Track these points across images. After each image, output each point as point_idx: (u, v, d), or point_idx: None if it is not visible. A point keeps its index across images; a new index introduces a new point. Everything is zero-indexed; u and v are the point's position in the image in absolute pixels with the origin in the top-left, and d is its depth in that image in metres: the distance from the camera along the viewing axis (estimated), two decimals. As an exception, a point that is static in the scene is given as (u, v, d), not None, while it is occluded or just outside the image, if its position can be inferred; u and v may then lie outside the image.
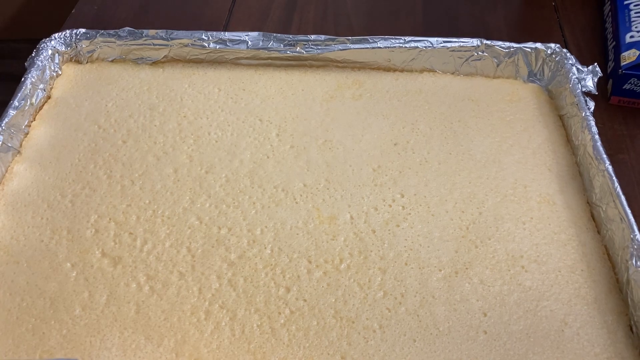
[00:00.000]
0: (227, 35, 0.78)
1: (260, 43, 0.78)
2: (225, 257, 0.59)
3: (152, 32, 0.78)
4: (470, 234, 0.61)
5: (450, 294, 0.56)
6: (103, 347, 0.52)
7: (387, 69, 0.80)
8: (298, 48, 0.78)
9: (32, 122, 0.71)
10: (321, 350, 0.52)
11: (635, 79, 0.85)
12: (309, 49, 0.78)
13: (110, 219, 0.62)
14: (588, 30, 0.96)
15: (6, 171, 0.66)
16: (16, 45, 1.79)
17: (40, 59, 0.74)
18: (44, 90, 0.74)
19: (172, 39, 0.77)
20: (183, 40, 0.77)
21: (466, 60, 0.78)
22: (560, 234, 0.61)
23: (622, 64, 0.85)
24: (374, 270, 0.58)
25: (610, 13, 0.95)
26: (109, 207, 0.63)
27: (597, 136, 0.65)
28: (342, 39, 0.77)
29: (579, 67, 0.75)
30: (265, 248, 0.60)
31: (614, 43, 0.89)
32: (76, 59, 0.79)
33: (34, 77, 0.72)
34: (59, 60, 0.77)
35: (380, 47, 0.77)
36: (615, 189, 0.59)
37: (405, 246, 0.60)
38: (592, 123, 0.67)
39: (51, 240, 0.60)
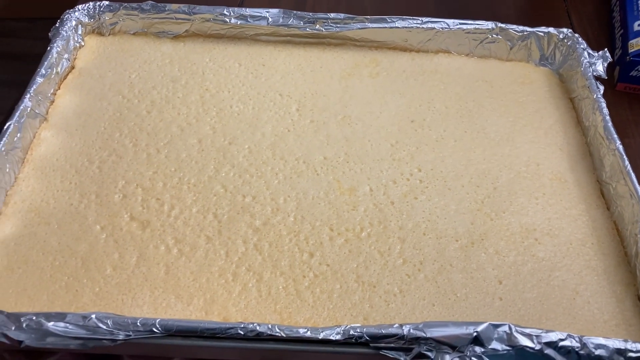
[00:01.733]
0: (248, 11, 0.79)
1: (281, 20, 0.79)
2: (250, 223, 0.61)
3: (174, 6, 0.79)
4: (485, 208, 0.64)
5: (466, 262, 0.59)
6: (135, 305, 0.54)
7: (404, 49, 0.81)
8: (317, 26, 0.79)
9: (57, 90, 0.72)
10: (344, 311, 0.55)
11: (641, 66, 0.88)
12: (328, 27, 0.79)
13: (137, 185, 0.63)
14: (595, 18, 0.98)
15: (34, 137, 0.67)
16: (15, 24, 1.80)
17: (65, 29, 0.75)
18: (68, 60, 0.75)
19: (194, 13, 0.79)
20: (205, 15, 0.79)
21: (481, 42, 0.81)
22: (572, 209, 0.64)
23: (630, 51, 0.88)
24: (393, 239, 0.60)
25: (618, 2, 0.97)
26: (135, 173, 0.65)
27: (607, 117, 0.68)
28: (360, 17, 0.79)
29: (590, 52, 0.78)
30: (289, 216, 0.62)
31: (622, 31, 0.91)
32: (98, 31, 0.81)
33: (59, 47, 0.73)
34: (81, 31, 0.79)
35: (398, 27, 0.79)
36: (626, 167, 0.62)
37: (423, 217, 0.62)
38: (603, 105, 0.69)
39: (80, 203, 0.62)
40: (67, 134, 0.68)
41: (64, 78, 0.74)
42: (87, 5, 0.79)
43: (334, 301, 0.55)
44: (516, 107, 0.75)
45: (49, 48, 0.73)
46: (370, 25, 0.79)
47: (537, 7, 1.03)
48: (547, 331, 0.48)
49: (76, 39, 0.77)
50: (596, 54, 0.78)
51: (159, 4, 0.79)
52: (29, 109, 0.66)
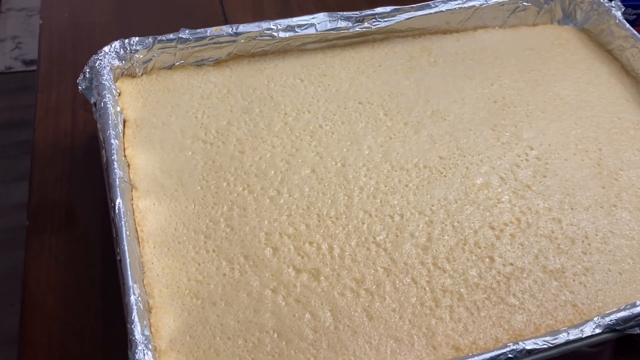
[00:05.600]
0: (295, 20, 0.73)
1: (329, 24, 0.75)
2: (415, 243, 0.58)
3: (215, 29, 0.71)
4: (604, 170, 0.66)
5: (621, 225, 0.61)
6: (360, 362, 0.50)
7: (445, 32, 0.81)
8: (366, 23, 0.76)
9: (125, 151, 0.62)
10: (552, 304, 0.55)
11: (631, 9, 0.96)
12: (376, 23, 0.76)
13: (280, 233, 0.57)
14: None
15: (133, 210, 0.57)
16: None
17: (104, 78, 0.65)
18: (121, 113, 0.65)
19: (238, 34, 0.71)
20: (251, 34, 0.72)
21: (513, 12, 0.83)
22: (669, 153, 0.69)
23: (618, -4, 0.95)
24: (550, 222, 0.61)
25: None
26: (270, 221, 0.58)
27: (668, 62, 0.74)
28: (406, 7, 0.77)
29: (609, 4, 0.83)
30: (446, 225, 0.60)
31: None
32: (129, 73, 0.70)
33: (110, 100, 0.63)
34: (112, 77, 0.68)
35: (443, 11, 0.78)
36: None
37: (562, 193, 0.64)
38: (657, 51, 0.75)
39: (233, 271, 0.54)
40: (169, 198, 0.59)
41: (123, 135, 0.64)
42: (113, 45, 0.68)
43: (537, 297, 0.55)
44: (569, 68, 0.78)
45: (101, 104, 0.62)
46: (417, 13, 0.77)
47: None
48: None
49: (113, 86, 0.67)
50: (614, 5, 0.83)
51: (197, 30, 0.70)
52: (123, 179, 0.56)
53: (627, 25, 0.79)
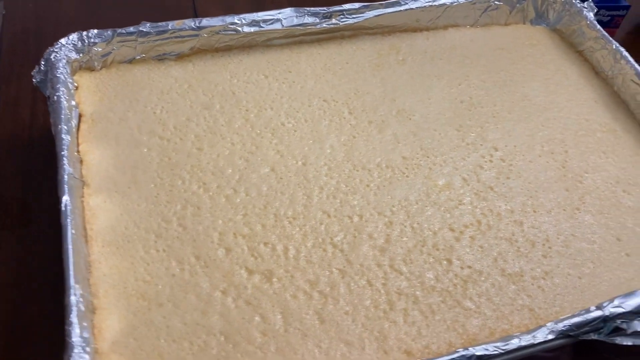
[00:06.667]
0: (260, 15, 0.72)
1: (295, 20, 0.73)
2: (373, 244, 0.57)
3: (177, 23, 0.69)
4: (569, 172, 0.66)
5: (582, 228, 0.61)
6: (309, 366, 0.48)
7: (415, 30, 0.80)
8: (334, 19, 0.75)
9: (79, 146, 0.61)
10: (509, 307, 0.54)
11: (604, 10, 0.95)
12: (344, 19, 0.75)
13: (234, 233, 0.56)
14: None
15: (83, 207, 0.56)
16: None
17: (59, 71, 0.63)
18: (76, 108, 0.63)
19: (201, 27, 0.70)
20: (214, 28, 0.70)
21: (484, 11, 0.82)
22: (635, 156, 0.68)
23: (592, -3, 0.95)
24: (511, 224, 0.60)
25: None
26: (225, 221, 0.57)
27: (636, 65, 0.73)
28: (376, 4, 0.76)
29: (581, 5, 0.82)
30: (405, 227, 0.59)
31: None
32: (87, 66, 0.68)
33: (64, 94, 0.61)
34: (69, 70, 0.66)
35: (412, 8, 0.77)
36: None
37: (524, 195, 0.63)
38: (627, 53, 0.74)
39: (183, 271, 0.53)
40: (121, 196, 0.57)
41: (77, 129, 0.62)
42: (71, 37, 0.66)
43: (494, 301, 0.54)
44: (539, 68, 0.78)
45: (54, 98, 0.60)
46: (386, 10, 0.76)
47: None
48: None
49: (69, 80, 0.65)
50: (586, 6, 0.82)
51: (159, 24, 0.69)
52: (72, 175, 0.55)
53: (598, 26, 0.78)
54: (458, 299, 0.54)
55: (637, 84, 0.72)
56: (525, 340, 0.47)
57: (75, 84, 0.66)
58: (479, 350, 0.46)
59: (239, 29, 0.71)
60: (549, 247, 0.59)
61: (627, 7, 0.95)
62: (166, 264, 0.53)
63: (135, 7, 0.91)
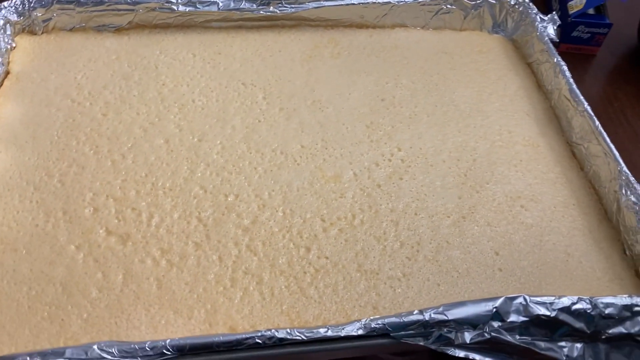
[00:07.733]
0: (197, -4, 0.74)
1: (232, 4, 0.75)
2: (238, 223, 0.58)
3: (114, -4, 0.73)
4: (469, 180, 0.64)
5: (462, 238, 0.59)
6: (131, 327, 0.50)
7: (360, 26, 0.80)
8: (272, 7, 0.76)
9: (-5, 100, 0.65)
10: (352, 303, 0.53)
11: (583, 26, 0.91)
12: (282, 8, 0.76)
13: (107, 195, 0.58)
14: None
15: (-22, 155, 0.60)
16: None
17: (-6, 30, 0.68)
18: (3, 65, 0.67)
19: (137, 3, 0.73)
20: (150, 4, 0.73)
21: (436, 13, 0.80)
22: (549, 173, 0.65)
23: (571, 12, 0.91)
24: (387, 223, 0.59)
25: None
26: (103, 183, 0.59)
27: (571, 80, 0.70)
28: (315, -4, 0.76)
29: (541, 16, 0.79)
30: (277, 211, 0.59)
31: (560, -8, 0.94)
32: (30, 30, 0.73)
33: (-8, 51, 0.66)
34: (10, 31, 0.71)
35: (354, 4, 0.77)
36: (597, 127, 0.64)
37: (411, 197, 0.62)
38: (565, 68, 0.71)
39: (47, 223, 0.56)
40: (16, 148, 0.61)
41: (0, 85, 0.67)
42: (13, 1, 0.71)
43: (339, 294, 0.54)
44: (479, 76, 0.75)
45: (-22, 53, 0.65)
46: (326, 3, 0.76)
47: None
48: (560, 297, 0.49)
49: (6, 40, 0.70)
50: (546, 18, 0.79)
51: (97, -5, 0.72)
52: (-31, 124, 0.59)
53: (546, 38, 0.75)
54: (303, 287, 0.54)
55: (569, 99, 0.69)
56: (333, 331, 0.46)
57: (14, 44, 0.71)
58: (281, 333, 0.46)
59: (174, 7, 0.74)
60: (417, 251, 0.57)
61: (609, 25, 0.90)
62: (34, 215, 0.56)
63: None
